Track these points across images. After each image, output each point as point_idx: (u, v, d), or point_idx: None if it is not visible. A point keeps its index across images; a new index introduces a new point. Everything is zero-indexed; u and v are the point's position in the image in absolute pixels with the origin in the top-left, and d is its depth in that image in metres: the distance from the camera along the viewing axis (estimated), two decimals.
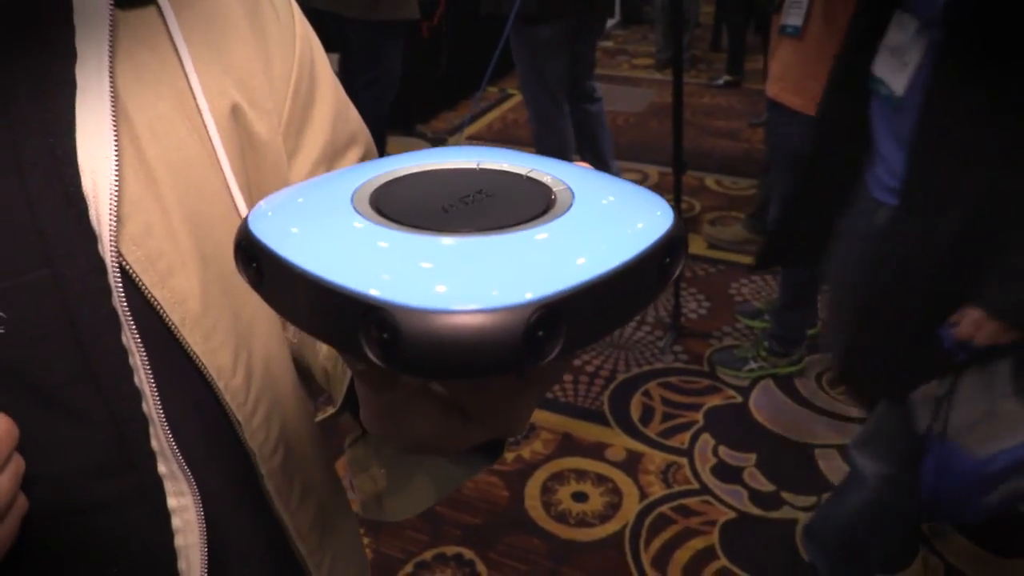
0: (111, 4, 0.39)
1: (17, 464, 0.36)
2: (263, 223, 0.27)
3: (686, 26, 5.31)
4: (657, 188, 3.67)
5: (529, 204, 0.26)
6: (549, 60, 2.97)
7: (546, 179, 0.28)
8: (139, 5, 0.42)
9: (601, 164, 3.39)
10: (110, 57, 0.38)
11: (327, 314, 0.23)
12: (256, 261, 0.26)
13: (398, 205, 0.26)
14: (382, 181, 0.29)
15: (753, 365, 2.40)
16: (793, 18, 1.92)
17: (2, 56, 0.36)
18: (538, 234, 0.24)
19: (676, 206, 2.47)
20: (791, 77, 1.99)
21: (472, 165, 0.30)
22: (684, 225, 0.27)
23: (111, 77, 0.38)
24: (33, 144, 0.36)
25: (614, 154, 3.47)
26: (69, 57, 0.38)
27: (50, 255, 0.37)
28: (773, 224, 2.11)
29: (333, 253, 0.24)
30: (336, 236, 0.25)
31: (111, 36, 0.39)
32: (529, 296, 0.21)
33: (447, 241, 0.24)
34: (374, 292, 0.22)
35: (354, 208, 0.26)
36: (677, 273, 0.27)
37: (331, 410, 0.51)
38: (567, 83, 3.07)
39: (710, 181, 3.78)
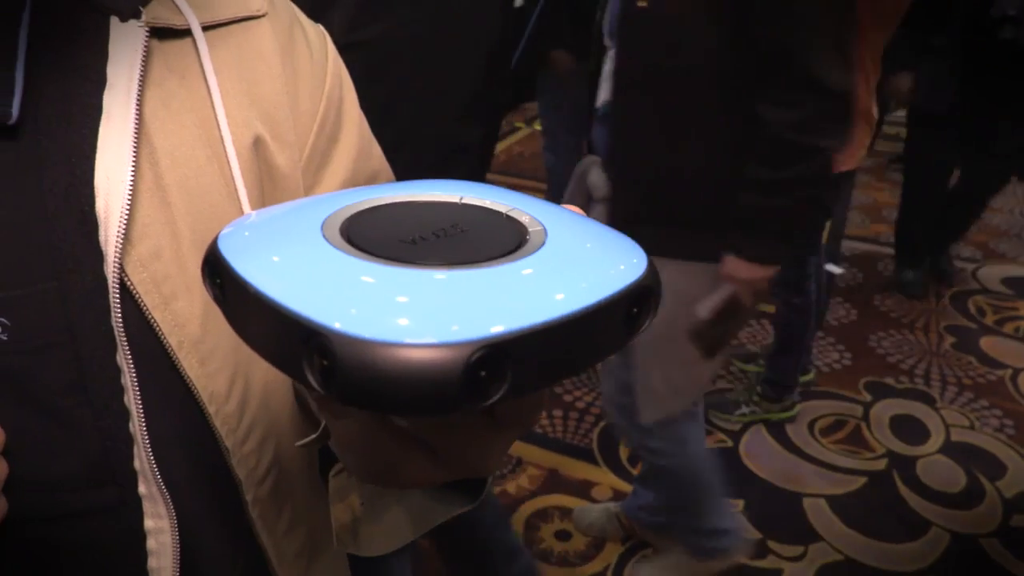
0: (146, 35, 0.41)
1: (1, 466, 0.37)
2: (231, 241, 0.26)
3: None
4: None
5: (499, 242, 0.26)
6: (567, 92, 2.99)
7: (524, 219, 0.28)
8: (175, 37, 0.44)
9: None
10: (140, 85, 0.40)
11: (275, 337, 0.23)
12: (220, 278, 0.25)
13: (368, 234, 0.26)
14: (360, 209, 0.29)
15: (745, 410, 2.38)
16: None
17: (36, 78, 0.38)
18: (498, 272, 0.24)
19: None
20: None
21: (455, 199, 0.30)
22: (657, 276, 0.26)
23: (138, 104, 0.40)
24: (56, 163, 0.38)
25: None
26: (100, 83, 0.40)
27: (58, 269, 0.38)
28: None
29: (288, 276, 0.23)
30: (294, 260, 0.24)
31: (143, 65, 0.40)
32: (474, 335, 0.21)
33: (401, 272, 0.23)
34: (317, 317, 0.21)
35: (322, 234, 0.26)
36: (647, 325, 0.26)
37: (312, 436, 0.50)
38: (584, 116, 3.08)
39: None
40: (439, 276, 0.23)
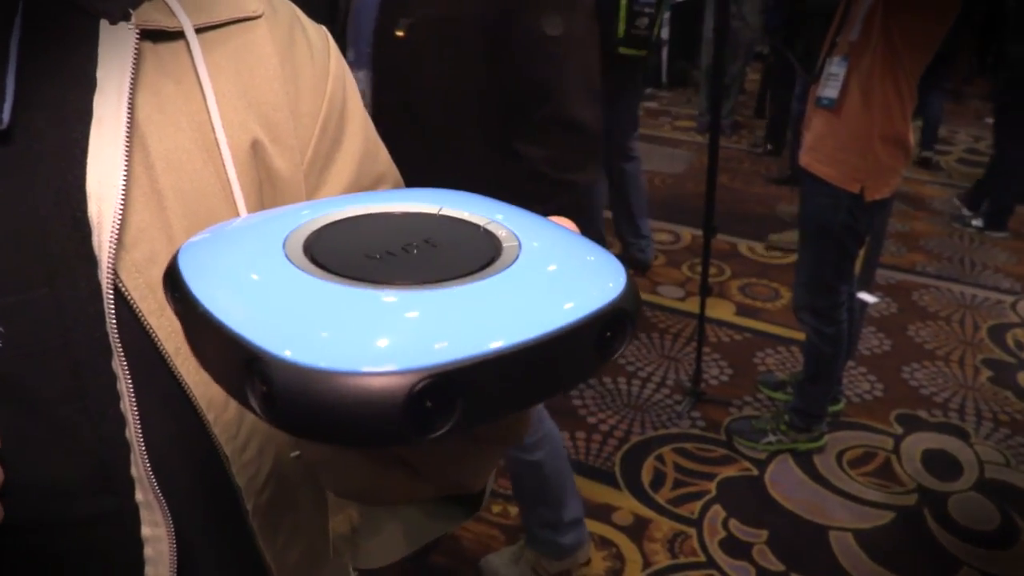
0: (137, 37, 0.41)
1: None
2: (192, 254, 0.26)
3: (730, 92, 5.34)
4: (688, 250, 3.66)
5: (468, 259, 0.24)
6: None
7: (502, 232, 0.27)
8: (168, 39, 0.43)
9: (630, 223, 3.39)
10: (131, 88, 0.40)
11: (221, 358, 0.22)
12: (178, 291, 0.25)
13: (333, 249, 0.25)
14: (330, 220, 0.27)
15: (772, 438, 2.34)
16: (829, 90, 1.92)
17: (27, 83, 0.38)
18: (457, 292, 0.22)
19: (703, 269, 2.45)
20: (824, 148, 1.99)
21: (434, 210, 0.29)
22: (636, 298, 0.25)
23: (130, 108, 0.39)
24: (47, 169, 0.38)
25: (646, 214, 3.46)
26: (90, 87, 0.39)
27: (52, 276, 0.38)
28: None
29: (236, 295, 0.23)
30: (246, 277, 0.23)
31: (134, 68, 0.40)
32: (418, 362, 0.19)
33: (352, 293, 0.22)
34: (257, 341, 0.20)
35: (282, 249, 0.25)
36: (621, 350, 0.24)
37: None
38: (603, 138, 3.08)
39: (743, 247, 3.75)
40: (391, 297, 0.21)
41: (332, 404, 0.19)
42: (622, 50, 2.83)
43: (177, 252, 0.26)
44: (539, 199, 1.26)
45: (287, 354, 0.19)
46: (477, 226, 0.27)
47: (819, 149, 2.00)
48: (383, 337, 0.20)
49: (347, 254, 0.24)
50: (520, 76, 1.23)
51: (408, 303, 0.21)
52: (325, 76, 0.52)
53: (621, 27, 2.78)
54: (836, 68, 1.90)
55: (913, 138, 1.96)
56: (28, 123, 0.38)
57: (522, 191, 1.28)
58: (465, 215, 0.28)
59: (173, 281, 0.25)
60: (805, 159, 2.05)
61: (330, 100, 0.51)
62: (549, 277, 0.24)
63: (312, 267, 0.23)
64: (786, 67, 4.35)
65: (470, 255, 0.25)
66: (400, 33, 1.23)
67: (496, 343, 0.20)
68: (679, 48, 6.55)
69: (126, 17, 0.41)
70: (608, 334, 0.23)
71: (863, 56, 1.86)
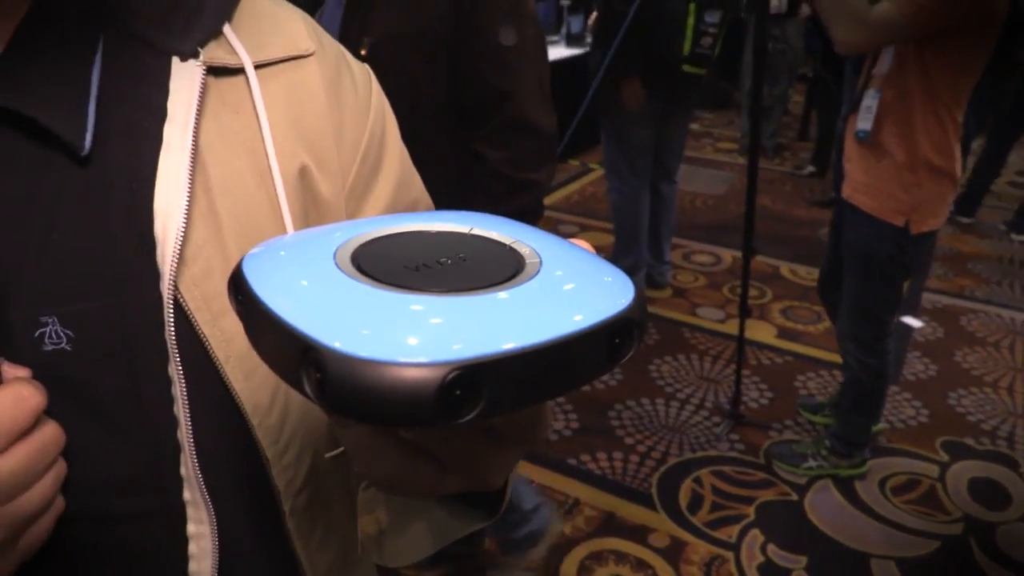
0: (203, 73, 0.45)
1: (60, 467, 0.41)
2: (254, 262, 0.29)
3: (772, 114, 5.31)
4: (729, 272, 3.63)
5: (494, 271, 0.28)
6: (634, 131, 3.02)
7: (525, 250, 0.30)
8: (230, 74, 0.48)
9: (655, 244, 3.39)
10: (196, 118, 0.44)
11: (279, 349, 0.25)
12: (241, 294, 0.28)
13: (376, 260, 0.28)
14: (377, 236, 0.31)
15: (812, 463, 2.31)
16: (863, 123, 1.91)
17: (105, 113, 0.42)
18: (484, 299, 0.25)
19: (743, 290, 2.44)
20: (864, 180, 1.97)
21: (466, 230, 0.32)
22: (643, 310, 0.28)
23: (194, 136, 0.44)
24: (120, 189, 0.42)
25: (671, 239, 3.46)
26: (161, 116, 0.44)
27: (119, 286, 0.42)
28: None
29: (294, 295, 0.26)
30: (303, 281, 0.27)
31: (200, 100, 0.44)
32: (451, 356, 0.22)
33: (395, 297, 0.25)
34: (313, 334, 0.23)
35: (334, 258, 0.28)
36: (629, 354, 0.27)
37: (341, 448, 0.52)
38: (650, 157, 3.12)
39: (785, 269, 3.71)
40: (428, 301, 0.25)
41: (376, 389, 0.22)
42: (686, 67, 2.90)
43: (241, 260, 0.30)
44: (501, 198, 1.36)
45: (338, 345, 0.23)
46: (504, 244, 0.31)
47: (859, 181, 1.98)
48: (422, 334, 0.23)
49: (389, 264, 0.28)
50: (479, 84, 1.33)
51: (442, 306, 0.25)
52: (367, 110, 0.56)
53: (687, 45, 2.85)
54: (870, 101, 1.89)
55: (960, 167, 1.92)
56: (105, 149, 0.42)
57: (486, 191, 1.36)
58: (494, 235, 0.32)
59: (238, 285, 0.28)
60: (847, 191, 2.03)
61: (371, 132, 0.56)
62: (565, 289, 0.28)
63: (359, 274, 0.27)
64: (830, 88, 4.31)
65: (496, 268, 0.28)
66: (363, 52, 1.31)
67: (517, 343, 0.24)
68: (721, 70, 6.54)
69: (195, 55, 0.45)
70: (617, 340, 0.27)
71: (897, 88, 1.84)
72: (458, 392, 0.22)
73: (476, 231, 0.32)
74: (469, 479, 0.33)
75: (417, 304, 0.25)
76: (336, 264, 0.28)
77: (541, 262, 0.29)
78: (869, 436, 2.31)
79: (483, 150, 1.36)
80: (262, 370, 0.46)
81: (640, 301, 0.28)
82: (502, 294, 0.26)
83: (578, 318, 0.25)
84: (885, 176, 1.90)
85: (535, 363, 0.24)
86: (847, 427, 2.27)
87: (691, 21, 2.81)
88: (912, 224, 1.90)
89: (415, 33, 1.32)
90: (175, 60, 0.45)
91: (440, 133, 1.38)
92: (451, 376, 0.22)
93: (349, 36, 1.32)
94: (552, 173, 1.44)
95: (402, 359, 0.22)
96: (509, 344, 0.23)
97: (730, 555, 2.01)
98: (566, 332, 0.25)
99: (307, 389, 0.24)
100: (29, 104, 0.40)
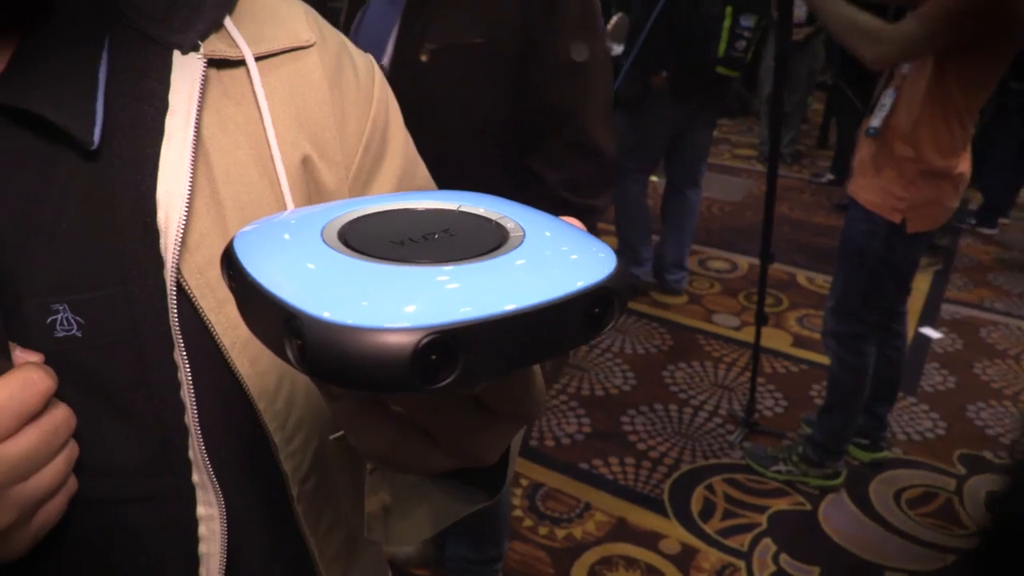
0: (204, 65, 0.46)
1: (72, 449, 0.42)
2: (245, 239, 0.30)
3: (792, 121, 5.29)
4: (745, 279, 3.61)
5: (477, 244, 0.28)
6: (651, 131, 3.02)
7: (510, 225, 0.30)
8: (231, 66, 0.49)
9: (676, 251, 3.38)
10: (198, 109, 0.45)
11: (265, 319, 0.26)
12: (232, 269, 0.29)
13: (363, 235, 0.29)
14: (362, 213, 0.32)
15: (782, 467, 2.29)
16: (875, 119, 1.92)
17: (111, 108, 0.43)
18: (464, 268, 0.26)
19: (760, 297, 2.42)
20: (868, 176, 1.98)
21: (453, 207, 0.33)
22: (623, 281, 0.28)
23: (196, 127, 0.44)
24: (124, 180, 0.43)
25: (691, 243, 3.46)
26: (163, 109, 0.44)
27: (125, 275, 0.43)
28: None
29: (279, 267, 0.27)
30: (288, 254, 0.28)
31: (201, 92, 0.45)
32: (424, 321, 0.23)
33: (375, 267, 0.26)
34: (294, 302, 0.24)
35: (320, 234, 0.29)
36: (611, 326, 0.27)
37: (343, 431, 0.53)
38: (659, 154, 3.13)
39: (801, 277, 3.69)
40: (408, 271, 0.25)
41: (353, 354, 0.23)
42: (719, 70, 2.93)
43: (233, 237, 0.30)
44: None
45: (317, 313, 0.23)
46: (489, 219, 0.31)
47: (864, 176, 1.99)
48: (397, 301, 0.24)
49: (375, 239, 0.28)
50: (543, 100, 1.25)
51: (420, 276, 0.25)
52: (369, 100, 0.56)
53: (722, 47, 2.87)
54: (886, 99, 1.90)
55: (967, 174, 1.91)
56: (111, 142, 0.43)
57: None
58: (481, 211, 0.32)
59: (229, 260, 0.29)
60: (852, 186, 2.05)
61: (373, 122, 0.56)
62: (546, 260, 0.28)
63: (344, 248, 0.27)
64: (850, 96, 4.29)
65: (480, 241, 0.29)
66: (424, 58, 1.25)
67: (493, 309, 0.24)
68: (740, 76, 6.52)
69: (195, 48, 0.46)
70: (596, 310, 0.27)
71: (912, 88, 1.84)
72: (434, 357, 0.23)
73: (464, 208, 0.32)
74: (461, 454, 0.33)
75: (397, 273, 0.25)
76: (323, 239, 0.28)
77: (525, 235, 0.29)
78: (844, 445, 2.27)
79: (540, 169, 1.28)
80: (267, 356, 0.46)
81: (622, 273, 0.28)
82: (482, 263, 0.26)
83: (556, 286, 0.25)
84: (887, 172, 1.91)
85: (512, 329, 0.24)
86: (823, 429, 2.24)
87: (727, 23, 2.84)
88: (908, 223, 1.90)
89: (481, 42, 1.24)
90: (176, 53, 0.46)
91: (493, 148, 1.32)
92: (425, 340, 0.22)
93: (408, 40, 1.26)
94: (610, 200, 1.36)
95: (378, 324, 0.23)
96: (485, 310, 0.23)
97: (741, 564, 1.99)
98: (543, 299, 0.25)
99: (290, 356, 0.24)
100: (41, 104, 0.41)
